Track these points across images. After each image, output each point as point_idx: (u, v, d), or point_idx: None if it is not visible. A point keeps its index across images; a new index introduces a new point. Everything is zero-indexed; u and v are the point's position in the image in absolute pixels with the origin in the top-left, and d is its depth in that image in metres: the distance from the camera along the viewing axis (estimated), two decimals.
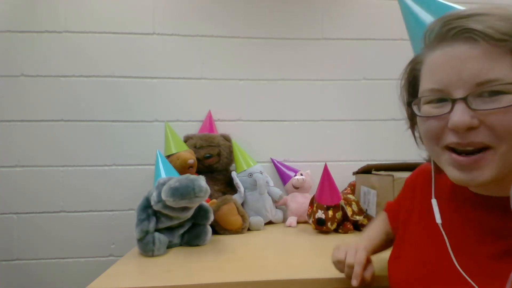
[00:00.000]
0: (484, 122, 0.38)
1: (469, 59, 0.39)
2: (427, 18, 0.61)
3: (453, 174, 0.42)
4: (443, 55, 0.41)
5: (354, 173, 1.39)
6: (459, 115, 0.39)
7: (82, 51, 1.40)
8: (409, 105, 0.49)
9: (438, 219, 0.48)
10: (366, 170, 1.24)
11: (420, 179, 0.60)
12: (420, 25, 0.61)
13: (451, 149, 0.42)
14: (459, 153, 0.41)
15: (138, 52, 1.42)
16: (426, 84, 0.44)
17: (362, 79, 1.50)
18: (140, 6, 1.42)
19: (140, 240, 0.92)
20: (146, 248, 0.91)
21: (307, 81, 1.50)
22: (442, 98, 0.41)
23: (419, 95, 0.46)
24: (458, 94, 0.39)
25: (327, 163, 1.19)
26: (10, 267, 1.35)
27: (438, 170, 0.50)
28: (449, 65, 0.40)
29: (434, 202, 0.50)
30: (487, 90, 0.38)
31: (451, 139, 0.41)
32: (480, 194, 0.47)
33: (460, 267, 0.44)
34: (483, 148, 0.39)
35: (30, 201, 1.36)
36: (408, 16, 0.66)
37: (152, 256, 0.91)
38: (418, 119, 0.47)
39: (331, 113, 1.50)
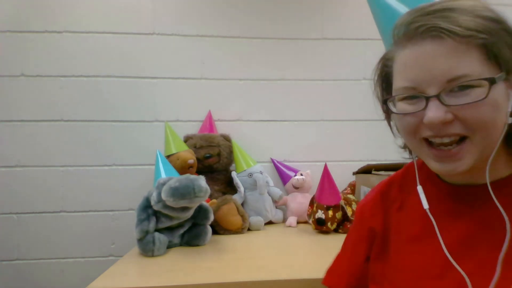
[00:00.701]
0: (457, 115, 0.40)
1: (438, 56, 0.40)
2: (400, 8, 0.59)
3: (434, 166, 0.44)
4: (413, 54, 0.42)
5: (354, 173, 1.39)
6: (434, 111, 0.40)
7: (82, 51, 1.40)
8: (384, 102, 0.50)
9: (425, 204, 0.47)
10: (366, 170, 1.25)
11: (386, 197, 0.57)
12: (392, 17, 0.59)
13: (429, 142, 0.44)
14: (437, 146, 0.43)
15: (138, 52, 1.42)
16: (399, 82, 0.45)
17: (362, 79, 1.50)
18: (140, 6, 1.42)
19: (140, 240, 0.92)
20: (146, 248, 0.91)
21: (307, 81, 1.50)
22: (416, 95, 0.43)
23: (393, 92, 0.47)
24: (431, 91, 0.41)
25: (327, 163, 1.19)
26: (10, 267, 1.34)
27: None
28: (420, 63, 0.41)
29: (420, 188, 0.49)
30: (457, 85, 0.39)
31: (427, 133, 0.42)
32: (453, 184, 0.48)
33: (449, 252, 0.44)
34: (460, 139, 0.41)
35: (30, 201, 1.36)
36: (377, 8, 0.64)
37: (152, 256, 0.91)
38: (394, 115, 0.48)
39: (331, 113, 1.50)
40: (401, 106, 0.45)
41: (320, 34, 1.51)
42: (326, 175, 1.15)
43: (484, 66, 0.39)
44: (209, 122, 1.41)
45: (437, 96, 0.40)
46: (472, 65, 0.39)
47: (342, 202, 1.14)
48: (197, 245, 1.02)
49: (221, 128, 1.44)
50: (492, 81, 0.38)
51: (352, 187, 1.36)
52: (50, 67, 1.38)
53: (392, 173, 1.04)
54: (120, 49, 1.41)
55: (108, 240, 1.38)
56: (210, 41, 1.46)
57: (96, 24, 1.40)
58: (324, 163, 1.18)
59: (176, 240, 1.01)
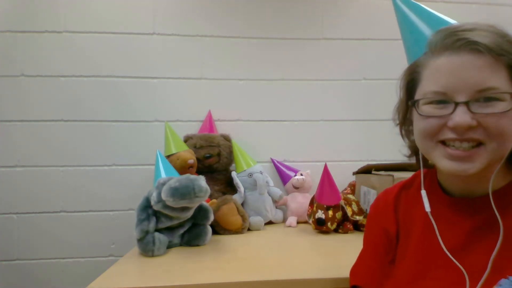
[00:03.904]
0: (481, 123, 0.44)
1: (474, 68, 0.44)
2: (423, 27, 0.63)
3: (446, 165, 0.47)
4: (449, 62, 0.46)
5: (354, 173, 1.39)
6: (462, 116, 0.44)
7: (82, 51, 1.39)
8: (410, 104, 0.53)
9: (427, 207, 0.52)
10: (366, 170, 1.24)
11: (397, 204, 0.61)
12: (416, 33, 0.64)
13: (444, 144, 0.47)
14: (453, 147, 0.46)
15: (138, 52, 1.42)
16: (429, 87, 0.48)
17: (362, 79, 1.50)
18: (140, 6, 1.42)
19: (140, 240, 0.92)
20: (146, 248, 0.91)
21: (307, 81, 1.50)
22: (444, 100, 0.46)
23: (421, 96, 0.50)
24: (461, 98, 0.44)
25: (327, 163, 1.19)
26: (10, 267, 1.34)
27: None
28: (455, 72, 0.45)
29: (423, 193, 0.53)
30: (484, 96, 0.44)
31: (449, 135, 0.46)
32: (454, 197, 0.53)
33: (449, 252, 0.48)
34: (476, 145, 0.45)
35: (30, 201, 1.36)
36: (404, 23, 0.69)
37: (152, 256, 0.91)
38: (416, 116, 0.51)
39: (331, 113, 1.50)
40: (426, 109, 0.49)
41: (320, 34, 1.51)
42: (326, 175, 1.15)
43: (510, 84, 0.44)
44: (209, 122, 1.41)
45: (466, 103, 0.44)
46: (501, 80, 0.44)
47: (342, 202, 1.14)
48: (197, 245, 1.02)
49: (221, 128, 1.44)
50: None
51: (352, 187, 1.36)
52: (50, 67, 1.38)
53: (392, 173, 1.05)
54: (120, 49, 1.41)
55: (108, 240, 1.38)
56: (210, 41, 1.46)
57: (96, 24, 1.40)
58: (324, 163, 1.18)
59: (176, 240, 1.01)
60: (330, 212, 1.12)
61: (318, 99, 1.50)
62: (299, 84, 1.49)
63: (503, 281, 0.43)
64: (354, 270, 0.66)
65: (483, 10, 1.55)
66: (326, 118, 1.50)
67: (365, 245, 0.66)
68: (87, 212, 1.38)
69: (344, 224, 1.15)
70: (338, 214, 1.13)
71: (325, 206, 1.12)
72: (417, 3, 0.67)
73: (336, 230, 1.15)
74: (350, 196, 1.24)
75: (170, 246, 0.99)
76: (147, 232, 0.92)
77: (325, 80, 1.50)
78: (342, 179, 1.40)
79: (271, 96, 1.48)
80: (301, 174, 1.40)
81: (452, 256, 0.48)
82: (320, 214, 1.12)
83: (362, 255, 0.66)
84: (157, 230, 0.96)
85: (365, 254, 0.65)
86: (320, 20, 1.51)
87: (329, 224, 1.11)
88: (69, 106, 1.39)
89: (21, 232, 1.36)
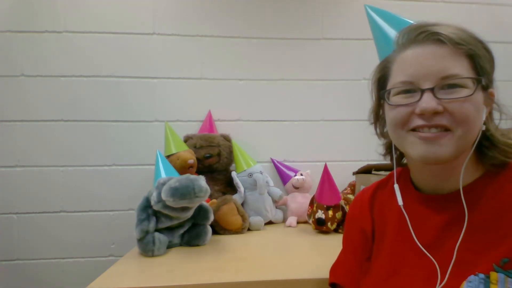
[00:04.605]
0: (447, 109, 0.47)
1: (437, 57, 0.48)
2: (390, 30, 0.77)
3: (418, 150, 0.49)
4: (414, 53, 0.50)
5: (354, 173, 1.39)
6: (428, 101, 0.47)
7: (82, 51, 1.39)
8: (381, 96, 0.56)
9: (400, 201, 0.55)
10: (366, 170, 1.25)
11: (371, 204, 0.64)
12: (384, 36, 0.77)
13: (415, 131, 0.49)
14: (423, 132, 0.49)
15: (138, 52, 1.42)
16: (397, 78, 0.51)
17: (362, 79, 1.50)
18: (140, 6, 1.42)
19: (140, 240, 0.92)
20: (146, 248, 0.91)
21: (307, 81, 1.50)
22: (411, 89, 0.49)
23: (390, 87, 0.53)
24: (426, 85, 0.48)
25: (327, 163, 1.19)
26: (10, 267, 1.34)
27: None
28: (420, 61, 0.49)
29: (396, 187, 0.56)
30: (448, 83, 0.47)
31: (418, 122, 0.48)
32: (426, 194, 0.55)
33: (420, 243, 0.51)
34: (444, 130, 0.47)
35: (30, 201, 1.36)
36: (375, 28, 0.80)
37: (152, 256, 0.91)
38: (387, 107, 0.54)
39: (331, 113, 1.50)
40: (395, 99, 0.52)
41: (320, 34, 1.51)
42: (326, 175, 1.15)
43: (471, 72, 0.48)
44: (209, 122, 1.41)
45: (431, 89, 0.47)
46: (462, 68, 0.47)
47: (342, 202, 1.14)
48: (197, 245, 1.02)
49: (221, 128, 1.44)
50: (478, 81, 0.47)
51: (352, 187, 1.36)
52: (50, 67, 1.38)
53: None
54: (120, 49, 1.41)
55: (108, 240, 1.38)
56: (210, 41, 1.46)
57: (96, 24, 1.40)
58: (324, 163, 1.18)
59: (176, 240, 1.01)
60: (330, 212, 1.12)
61: (318, 99, 1.50)
62: (299, 84, 1.49)
63: (472, 277, 0.44)
64: (334, 268, 0.67)
65: (483, 10, 1.55)
66: (326, 118, 1.50)
67: (344, 244, 0.68)
68: (87, 212, 1.38)
69: (344, 224, 1.15)
70: (338, 214, 1.13)
71: (325, 206, 1.12)
72: (386, 10, 0.78)
73: (336, 230, 1.15)
74: (350, 196, 1.24)
75: (170, 246, 0.99)
76: (147, 232, 0.92)
77: (325, 80, 1.50)
78: (342, 179, 1.40)
79: (271, 96, 1.48)
80: (301, 174, 1.40)
81: (424, 247, 0.50)
82: (320, 214, 1.12)
83: (342, 254, 0.68)
84: (157, 230, 0.96)
85: (344, 253, 0.67)
86: (320, 20, 1.51)
87: (329, 224, 1.11)
88: (69, 106, 1.39)
89: (21, 232, 1.35)
